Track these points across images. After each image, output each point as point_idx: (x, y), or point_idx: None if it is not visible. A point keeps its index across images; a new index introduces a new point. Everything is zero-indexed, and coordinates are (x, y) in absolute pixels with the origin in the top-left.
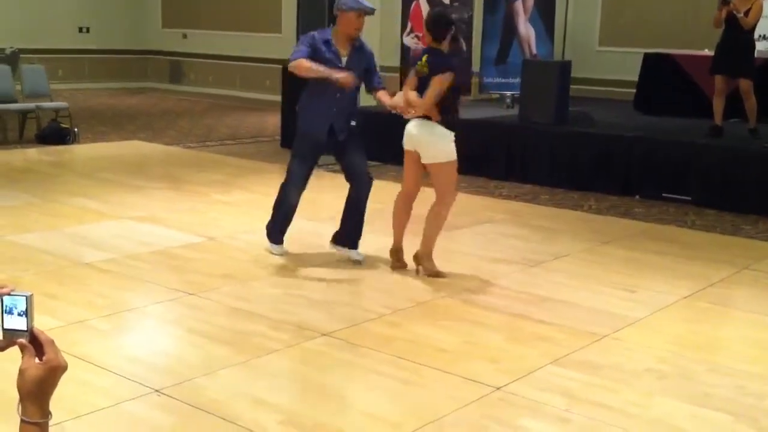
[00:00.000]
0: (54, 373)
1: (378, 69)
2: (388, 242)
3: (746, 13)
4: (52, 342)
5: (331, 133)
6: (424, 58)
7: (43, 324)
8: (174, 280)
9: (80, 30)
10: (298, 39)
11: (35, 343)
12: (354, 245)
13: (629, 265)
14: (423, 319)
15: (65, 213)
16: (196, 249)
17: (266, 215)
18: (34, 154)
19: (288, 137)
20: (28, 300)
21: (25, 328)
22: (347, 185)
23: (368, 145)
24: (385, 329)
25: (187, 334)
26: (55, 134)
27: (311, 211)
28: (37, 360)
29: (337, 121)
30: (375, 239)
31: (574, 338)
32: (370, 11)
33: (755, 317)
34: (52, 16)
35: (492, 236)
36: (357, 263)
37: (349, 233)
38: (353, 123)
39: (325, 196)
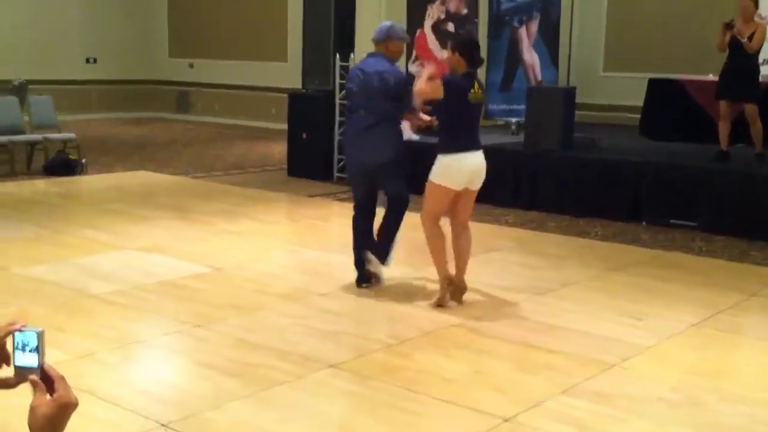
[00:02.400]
0: (65, 410)
1: None
2: (403, 273)
3: (750, 38)
4: (63, 378)
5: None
6: (477, 85)
7: (50, 357)
8: (181, 311)
9: (87, 61)
10: (303, 68)
11: (46, 380)
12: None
13: (637, 292)
14: (430, 348)
15: (73, 244)
16: (203, 279)
17: (273, 244)
18: (41, 185)
19: (294, 166)
20: (40, 336)
21: (37, 365)
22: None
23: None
24: (393, 359)
25: (194, 366)
26: (63, 165)
27: (319, 240)
28: (48, 397)
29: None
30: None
31: (584, 367)
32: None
33: (764, 344)
34: (59, 47)
35: (499, 264)
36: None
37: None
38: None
39: (333, 225)
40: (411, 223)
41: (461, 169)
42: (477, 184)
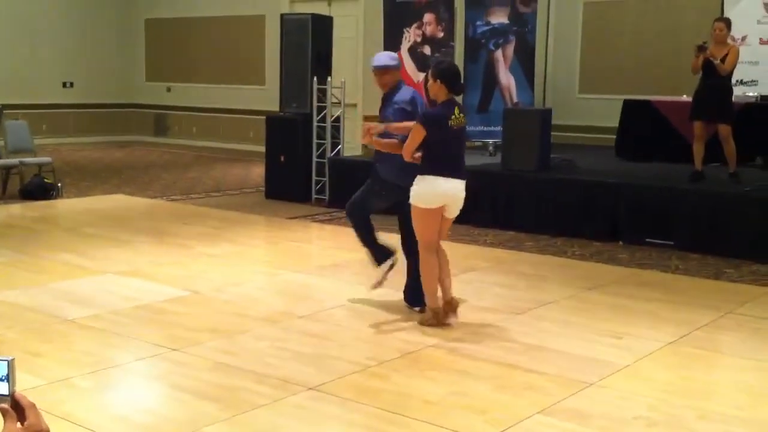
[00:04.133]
0: None
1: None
2: (383, 293)
3: (723, 60)
4: (34, 406)
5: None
6: (457, 110)
7: (26, 382)
8: (158, 335)
9: (64, 85)
10: (281, 91)
11: (17, 408)
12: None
13: (614, 311)
14: (409, 370)
15: (49, 269)
16: (181, 303)
17: (252, 267)
18: (17, 209)
19: (272, 188)
20: (10, 365)
21: (7, 393)
22: (332, 237)
23: None
24: (372, 381)
25: (171, 390)
26: (39, 189)
27: (298, 262)
28: (19, 425)
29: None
30: (358, 289)
31: (562, 386)
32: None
33: (741, 362)
34: (36, 71)
35: (477, 284)
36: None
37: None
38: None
39: (312, 247)
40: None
41: (436, 191)
42: (454, 211)
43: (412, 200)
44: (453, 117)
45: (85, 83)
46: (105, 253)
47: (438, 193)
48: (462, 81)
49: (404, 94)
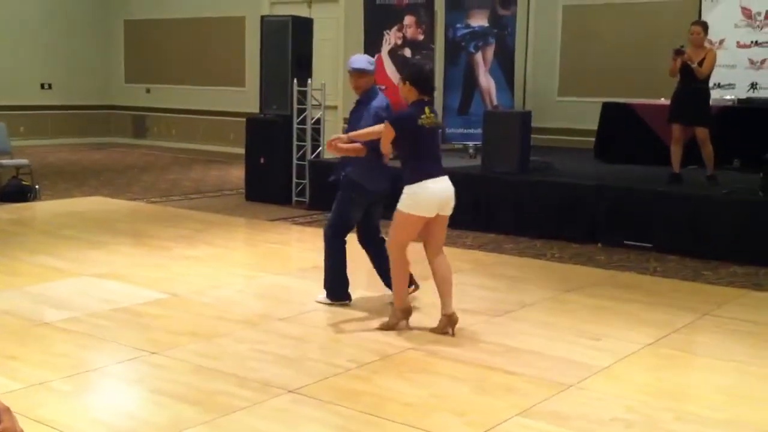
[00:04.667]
0: None
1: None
2: (362, 296)
3: (700, 63)
4: (8, 410)
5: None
6: (428, 110)
7: (2, 386)
8: (137, 338)
9: (42, 86)
10: (261, 92)
11: None
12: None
13: (593, 313)
14: (389, 372)
15: (26, 271)
16: (160, 306)
17: (231, 269)
18: None
19: (252, 190)
20: None
21: None
22: (312, 240)
23: None
24: (352, 384)
25: (151, 394)
26: (16, 192)
27: (279, 265)
28: None
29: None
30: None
31: (541, 388)
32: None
33: (719, 363)
34: (14, 72)
35: (457, 287)
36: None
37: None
38: (342, 174)
39: (292, 250)
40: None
41: (430, 197)
42: (448, 210)
43: (402, 208)
44: (423, 117)
45: (64, 85)
46: (83, 255)
47: (432, 199)
48: (432, 82)
49: (381, 100)
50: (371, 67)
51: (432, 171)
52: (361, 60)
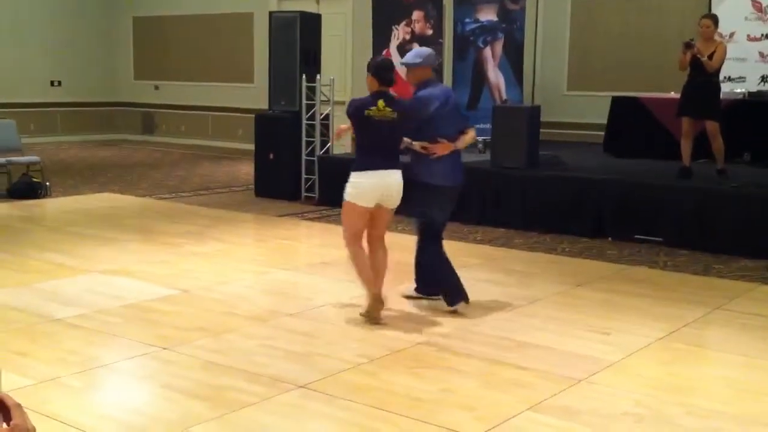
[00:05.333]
0: None
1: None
2: (360, 291)
3: (710, 57)
4: (19, 406)
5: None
6: (382, 103)
7: (13, 383)
8: (147, 334)
9: (52, 84)
10: (270, 89)
11: (2, 408)
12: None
13: (603, 307)
14: (399, 367)
15: (36, 268)
16: (169, 302)
17: (241, 265)
18: (4, 208)
19: (261, 186)
20: None
21: None
22: (321, 235)
23: None
24: (362, 379)
25: (160, 389)
26: (27, 189)
27: (288, 260)
28: (4, 426)
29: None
30: (347, 287)
31: (551, 383)
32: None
33: (730, 357)
34: (24, 70)
35: (467, 281)
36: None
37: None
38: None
39: (301, 245)
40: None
41: (367, 188)
42: (391, 203)
43: (345, 196)
44: (374, 108)
45: (73, 82)
46: (92, 252)
47: (368, 191)
48: (390, 74)
49: (427, 91)
50: (418, 60)
51: (373, 163)
52: (408, 55)
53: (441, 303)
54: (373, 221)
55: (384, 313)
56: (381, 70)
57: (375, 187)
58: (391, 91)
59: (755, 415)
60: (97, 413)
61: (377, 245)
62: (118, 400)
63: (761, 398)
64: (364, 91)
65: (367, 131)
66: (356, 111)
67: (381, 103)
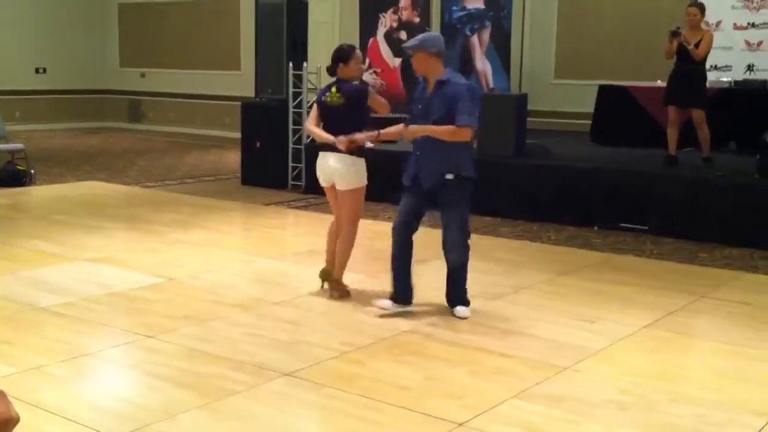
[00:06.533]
0: (5, 426)
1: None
2: (358, 279)
3: (697, 45)
4: (3, 394)
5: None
6: (334, 90)
7: None
8: (132, 322)
9: (37, 71)
10: (256, 76)
11: None
12: (452, 304)
13: (589, 295)
14: (385, 355)
15: (21, 256)
16: (155, 290)
17: (227, 253)
18: None
19: (248, 174)
20: None
21: None
22: (308, 224)
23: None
24: (348, 367)
25: (146, 378)
26: (11, 176)
27: (274, 249)
28: None
29: (421, 170)
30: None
31: (536, 371)
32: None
33: (714, 345)
34: (8, 57)
35: None
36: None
37: (447, 293)
38: (448, 176)
39: (287, 234)
40: (370, 230)
41: (318, 168)
42: (339, 185)
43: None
44: (328, 94)
45: (58, 69)
46: (78, 240)
47: (321, 170)
48: (337, 63)
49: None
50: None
51: (323, 145)
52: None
53: (431, 295)
54: (337, 203)
55: (368, 302)
56: (332, 60)
57: (320, 168)
58: (379, 79)
59: (739, 402)
60: (82, 401)
61: (340, 228)
62: (103, 389)
63: (745, 385)
64: None
65: (322, 115)
66: (317, 98)
67: (334, 89)
